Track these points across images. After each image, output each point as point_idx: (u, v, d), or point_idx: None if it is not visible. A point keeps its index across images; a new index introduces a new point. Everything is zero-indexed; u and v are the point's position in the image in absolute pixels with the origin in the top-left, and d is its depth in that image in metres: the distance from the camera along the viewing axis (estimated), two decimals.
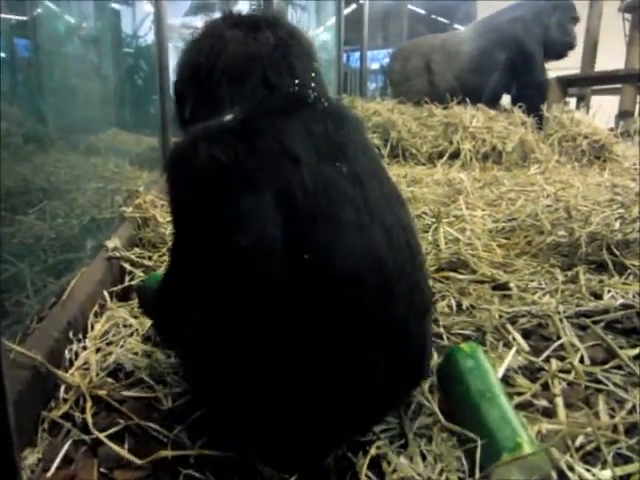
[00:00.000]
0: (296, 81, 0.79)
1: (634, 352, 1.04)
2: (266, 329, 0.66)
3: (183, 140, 0.74)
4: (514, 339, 1.10)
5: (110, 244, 1.48)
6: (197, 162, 0.69)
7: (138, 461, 0.76)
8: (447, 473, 0.74)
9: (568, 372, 0.98)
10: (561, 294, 1.31)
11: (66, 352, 1.00)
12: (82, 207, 1.99)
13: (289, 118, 0.73)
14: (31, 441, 0.81)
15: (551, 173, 3.19)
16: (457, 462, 0.75)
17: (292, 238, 0.66)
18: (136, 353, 1.01)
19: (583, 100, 7.63)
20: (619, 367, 1.00)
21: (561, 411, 0.87)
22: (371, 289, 0.69)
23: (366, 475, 0.73)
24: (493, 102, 4.08)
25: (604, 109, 7.30)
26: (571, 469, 0.73)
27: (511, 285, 1.39)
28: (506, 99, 4.36)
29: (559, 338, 1.09)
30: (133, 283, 1.41)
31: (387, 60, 9.46)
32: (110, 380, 0.94)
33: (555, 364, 1.00)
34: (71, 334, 1.04)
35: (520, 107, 3.85)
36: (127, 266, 1.47)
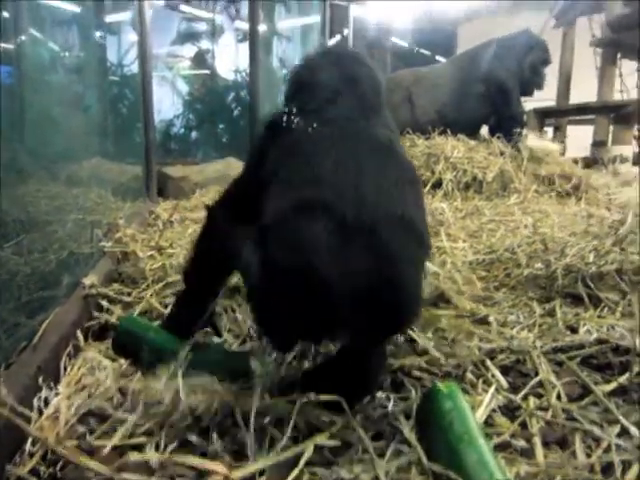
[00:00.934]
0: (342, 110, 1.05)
1: (609, 387, 1.04)
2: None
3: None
4: (493, 376, 1.10)
5: (87, 281, 1.46)
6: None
7: None
8: None
9: (546, 410, 0.98)
10: (539, 328, 1.32)
11: (35, 400, 0.96)
12: (61, 241, 1.96)
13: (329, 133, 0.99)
14: None
15: (530, 203, 3.24)
16: None
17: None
18: (110, 398, 0.98)
19: (559, 130, 7.83)
20: (595, 403, 1.00)
21: (539, 451, 0.86)
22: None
23: None
24: (472, 133, 4.16)
25: (580, 139, 7.50)
26: None
27: (490, 319, 1.39)
28: (485, 129, 4.45)
29: (537, 374, 1.10)
30: (111, 320, 1.39)
31: None
32: (81, 429, 0.91)
33: (533, 402, 1.00)
34: (41, 380, 0.99)
35: (499, 138, 3.93)
36: (104, 303, 1.45)
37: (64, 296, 1.41)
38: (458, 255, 1.94)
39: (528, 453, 0.87)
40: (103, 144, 5.43)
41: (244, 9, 6.52)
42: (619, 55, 6.82)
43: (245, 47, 6.38)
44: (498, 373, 1.11)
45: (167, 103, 6.74)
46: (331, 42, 8.42)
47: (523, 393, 1.03)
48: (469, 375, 1.10)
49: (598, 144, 6.56)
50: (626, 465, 0.82)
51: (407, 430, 0.88)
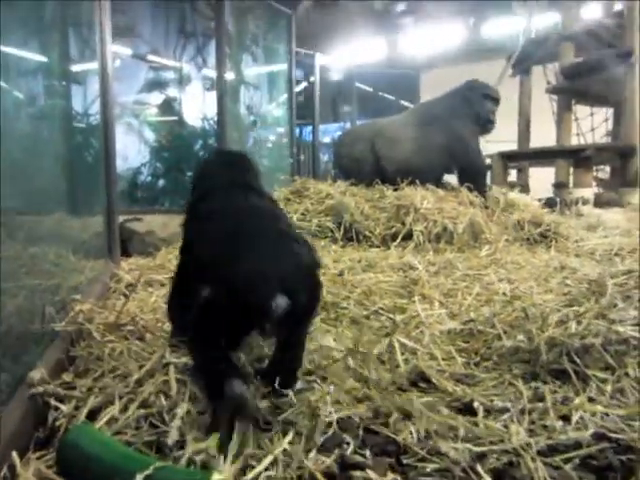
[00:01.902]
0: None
1: None
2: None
3: None
4: None
5: (35, 375, 1.30)
6: None
7: None
8: None
9: None
10: (529, 416, 1.21)
11: None
12: (6, 320, 1.79)
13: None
14: None
15: (501, 253, 3.20)
16: None
17: None
18: None
19: (522, 171, 8.01)
20: None
21: None
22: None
23: None
24: (437, 182, 4.17)
25: (541, 180, 7.67)
26: None
27: (475, 405, 1.28)
28: (452, 178, 4.47)
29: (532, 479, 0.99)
30: (59, 422, 1.23)
31: (338, 133, 9.72)
32: None
33: None
34: None
35: (469, 189, 3.93)
36: (52, 402, 1.29)
37: (5, 394, 1.24)
38: (434, 324, 1.84)
39: None
40: (66, 197, 5.25)
41: (211, 58, 6.52)
42: (573, 101, 7.05)
43: (212, 95, 6.35)
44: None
45: (134, 151, 6.61)
46: (298, 89, 8.52)
47: None
48: None
49: (559, 186, 6.69)
50: None
51: None
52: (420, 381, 1.45)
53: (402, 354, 1.56)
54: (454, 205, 3.68)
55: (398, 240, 3.42)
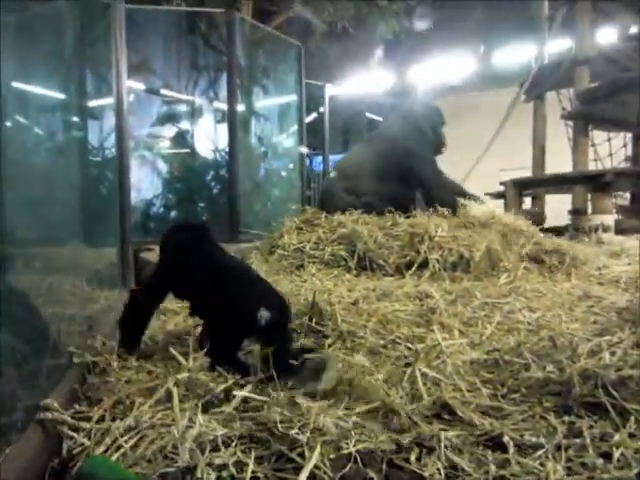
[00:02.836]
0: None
1: None
2: None
3: None
4: None
5: (48, 403, 1.26)
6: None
7: None
8: None
9: None
10: (565, 452, 1.14)
11: None
12: (23, 348, 1.77)
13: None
14: None
15: (520, 281, 3.14)
16: None
17: None
18: None
19: (537, 199, 7.94)
20: None
21: None
22: None
23: None
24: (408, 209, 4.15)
25: (557, 206, 7.60)
26: None
27: (505, 440, 1.22)
28: None
29: None
30: (73, 453, 1.19)
31: None
32: None
33: None
34: None
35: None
36: (66, 431, 1.25)
37: (21, 423, 1.21)
38: (455, 353, 1.78)
39: None
40: (81, 228, 5.29)
41: (223, 91, 6.62)
42: (590, 126, 7.02)
43: (224, 127, 6.44)
44: None
45: (147, 183, 6.69)
46: (308, 119, 8.61)
47: None
48: None
49: (577, 212, 6.61)
50: None
51: None
52: (444, 413, 1.39)
53: (424, 384, 1.50)
54: (470, 233, 3.63)
55: (413, 269, 3.36)
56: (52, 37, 5.69)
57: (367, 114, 10.96)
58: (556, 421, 1.29)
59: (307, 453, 1.19)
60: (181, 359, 1.63)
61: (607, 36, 7.79)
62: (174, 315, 2.49)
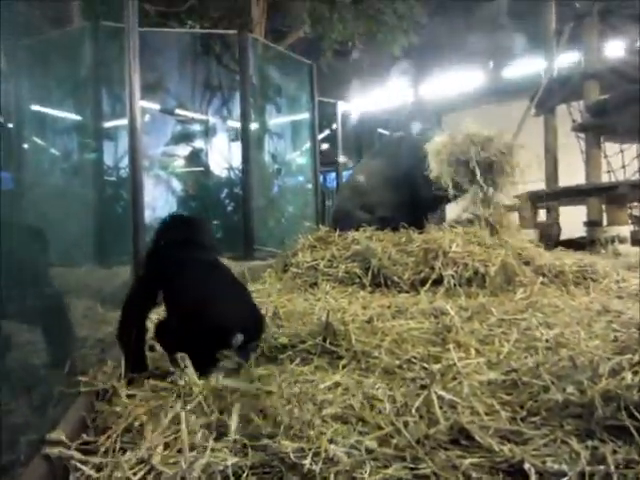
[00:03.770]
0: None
1: None
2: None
3: None
4: None
5: (54, 436, 1.23)
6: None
7: None
8: None
9: None
10: None
11: None
12: (34, 374, 1.75)
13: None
14: None
15: (537, 296, 3.06)
16: None
17: None
18: None
19: (551, 211, 7.83)
20: None
21: None
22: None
23: None
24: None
25: (571, 219, 7.48)
26: None
27: (527, 467, 1.16)
28: None
29: None
30: None
31: None
32: None
33: None
34: None
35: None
36: (73, 462, 1.22)
37: (25, 457, 1.18)
38: (472, 374, 1.72)
39: None
40: (95, 249, 5.32)
41: (236, 109, 6.66)
42: (602, 138, 6.94)
43: (238, 145, 6.47)
44: None
45: (162, 201, 6.71)
46: (321, 136, 8.63)
47: None
48: None
49: (592, 224, 6.50)
50: None
51: None
52: (462, 438, 1.33)
53: (440, 408, 1.44)
54: (484, 248, 3.56)
55: (428, 285, 3.30)
56: (70, 61, 5.78)
57: (379, 130, 10.95)
58: (579, 446, 1.23)
59: None
60: (195, 379, 1.60)
61: (615, 50, 7.73)
62: None
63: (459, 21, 9.41)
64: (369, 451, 1.26)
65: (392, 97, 11.01)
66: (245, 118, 6.25)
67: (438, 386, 1.59)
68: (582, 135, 7.22)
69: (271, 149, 7.31)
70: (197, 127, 7.28)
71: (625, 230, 5.71)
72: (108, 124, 5.97)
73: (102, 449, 1.32)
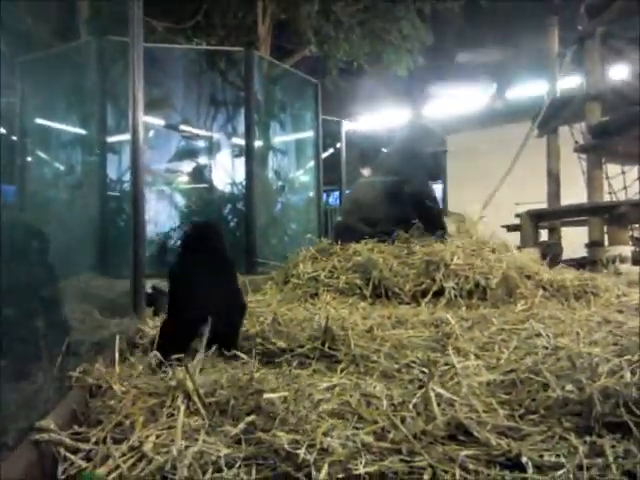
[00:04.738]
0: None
1: None
2: None
3: None
4: None
5: (44, 423, 1.22)
6: None
7: None
8: None
9: None
10: (587, 472, 1.07)
11: None
12: (28, 372, 1.74)
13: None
14: None
15: (538, 308, 3.05)
16: None
17: None
18: None
19: (553, 231, 7.84)
20: None
21: None
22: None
23: None
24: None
25: (573, 239, 7.48)
26: None
27: (524, 460, 1.15)
28: None
29: None
30: (69, 474, 1.14)
31: None
32: None
33: None
34: None
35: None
36: (62, 451, 1.20)
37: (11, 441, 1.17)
38: (471, 375, 1.71)
39: None
40: (95, 258, 5.33)
41: (240, 126, 6.71)
42: (603, 160, 6.98)
43: (241, 161, 6.52)
44: None
45: (165, 216, 6.73)
46: (325, 154, 8.69)
47: None
48: None
49: (594, 244, 6.50)
50: None
51: None
52: (459, 434, 1.32)
53: (438, 405, 1.43)
54: (486, 260, 3.56)
55: (429, 296, 3.29)
56: (75, 75, 5.85)
57: (383, 149, 11.04)
58: (577, 441, 1.22)
59: (314, 473, 1.14)
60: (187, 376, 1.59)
61: (617, 72, 7.82)
62: None
63: (465, 43, 9.56)
64: (364, 444, 1.25)
65: (396, 116, 11.11)
66: (249, 135, 6.30)
67: (436, 385, 1.57)
68: (584, 156, 7.26)
69: (275, 166, 7.36)
70: (201, 143, 7.36)
71: (627, 250, 5.70)
72: (112, 138, 6.04)
73: (93, 439, 1.30)
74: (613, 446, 1.18)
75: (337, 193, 10.60)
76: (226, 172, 7.09)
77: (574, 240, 7.37)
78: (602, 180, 7.00)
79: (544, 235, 7.89)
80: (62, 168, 6.35)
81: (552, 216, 7.01)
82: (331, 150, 9.80)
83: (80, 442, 1.26)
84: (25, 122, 6.08)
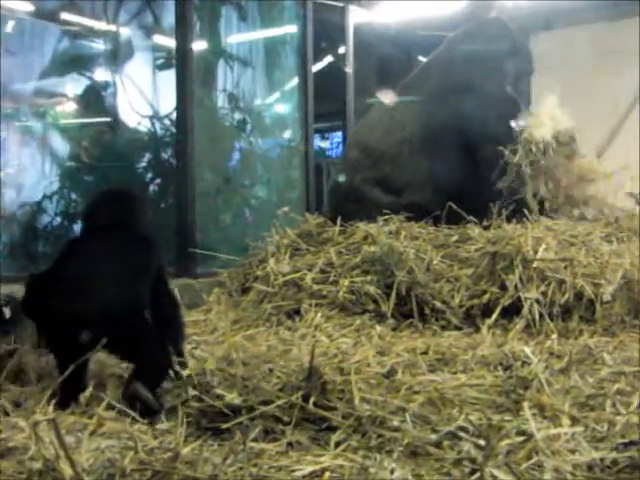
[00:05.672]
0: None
1: None
2: None
3: None
4: None
5: None
6: None
7: None
8: None
9: None
10: None
11: None
12: None
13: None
14: None
15: None
16: None
17: None
18: None
19: None
20: None
21: None
22: None
23: None
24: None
25: None
26: None
27: None
28: None
29: None
30: None
31: None
32: None
33: None
34: None
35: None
36: None
37: None
38: (563, 453, 1.75)
39: None
40: None
41: (168, 15, 6.69)
42: None
43: (170, 76, 6.51)
44: None
45: (34, 174, 6.74)
46: (318, 67, 8.66)
47: None
48: None
49: None
50: None
51: None
52: None
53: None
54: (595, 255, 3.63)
55: (494, 316, 3.37)
56: None
57: (420, 58, 11.02)
58: None
59: None
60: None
61: None
62: None
63: None
64: None
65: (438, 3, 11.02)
66: (183, 31, 6.27)
67: (500, 470, 1.62)
68: None
69: (229, 86, 7.35)
70: (99, 45, 7.35)
71: None
72: None
73: None
74: None
75: (339, 135, 10.64)
76: (142, 96, 7.10)
77: None
78: None
79: None
80: None
81: None
82: (329, 58, 9.81)
83: None
84: None
